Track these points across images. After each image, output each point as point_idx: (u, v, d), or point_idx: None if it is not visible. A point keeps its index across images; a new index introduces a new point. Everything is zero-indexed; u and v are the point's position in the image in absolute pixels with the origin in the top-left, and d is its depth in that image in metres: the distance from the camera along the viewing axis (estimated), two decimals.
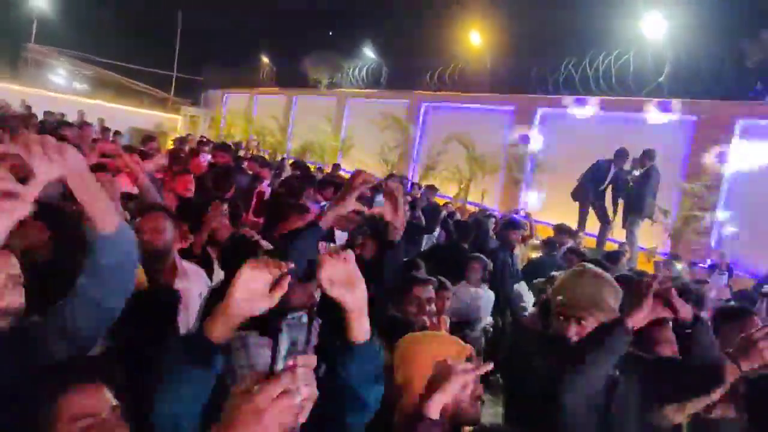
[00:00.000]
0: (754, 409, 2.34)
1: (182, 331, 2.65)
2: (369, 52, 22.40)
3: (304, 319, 1.07)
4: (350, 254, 1.40)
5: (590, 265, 2.32)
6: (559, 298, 2.22)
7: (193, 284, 2.97)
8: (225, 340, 1.39)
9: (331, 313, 1.45)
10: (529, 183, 14.00)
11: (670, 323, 2.45)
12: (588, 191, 9.76)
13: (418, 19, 19.63)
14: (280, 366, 1.04)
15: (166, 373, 1.40)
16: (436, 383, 1.60)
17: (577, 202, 9.98)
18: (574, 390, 1.92)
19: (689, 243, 10.50)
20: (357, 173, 2.28)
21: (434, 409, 1.56)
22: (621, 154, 9.45)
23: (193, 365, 1.37)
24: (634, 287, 2.08)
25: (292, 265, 1.38)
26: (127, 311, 1.71)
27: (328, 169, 13.81)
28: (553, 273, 3.95)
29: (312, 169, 11.40)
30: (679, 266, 6.16)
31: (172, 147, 11.37)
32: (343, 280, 1.37)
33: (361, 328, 1.42)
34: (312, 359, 1.08)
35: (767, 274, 6.35)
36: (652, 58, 13.10)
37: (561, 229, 7.61)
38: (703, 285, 6.02)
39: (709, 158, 10.89)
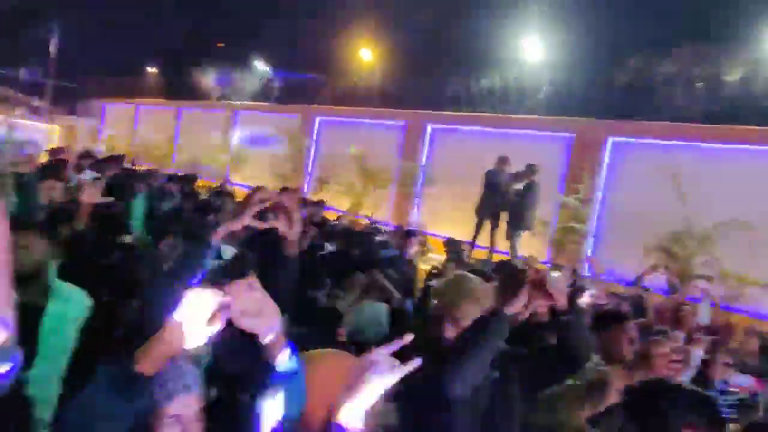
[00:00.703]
0: (630, 415, 2.47)
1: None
2: (260, 65, 22.13)
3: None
4: (255, 281, 1.34)
5: (465, 273, 2.42)
6: (435, 301, 2.29)
7: (69, 306, 2.76)
8: (154, 373, 1.29)
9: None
10: (420, 197, 14.35)
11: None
12: (488, 205, 10.16)
13: (311, 33, 19.67)
14: None
15: (85, 403, 1.28)
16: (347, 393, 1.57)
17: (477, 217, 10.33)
18: (462, 380, 1.95)
19: (568, 252, 11.20)
20: (256, 189, 2.25)
21: (348, 419, 1.51)
22: (504, 160, 9.98)
23: (116, 399, 1.25)
24: (513, 277, 2.17)
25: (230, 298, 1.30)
26: None
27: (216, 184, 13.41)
28: (431, 282, 4.06)
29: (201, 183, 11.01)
30: (557, 274, 6.56)
31: (45, 159, 10.55)
32: (254, 310, 1.31)
33: (281, 349, 1.38)
34: None
35: (635, 279, 6.90)
36: (531, 79, 13.96)
37: (451, 243, 7.86)
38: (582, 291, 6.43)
39: (583, 173, 11.70)
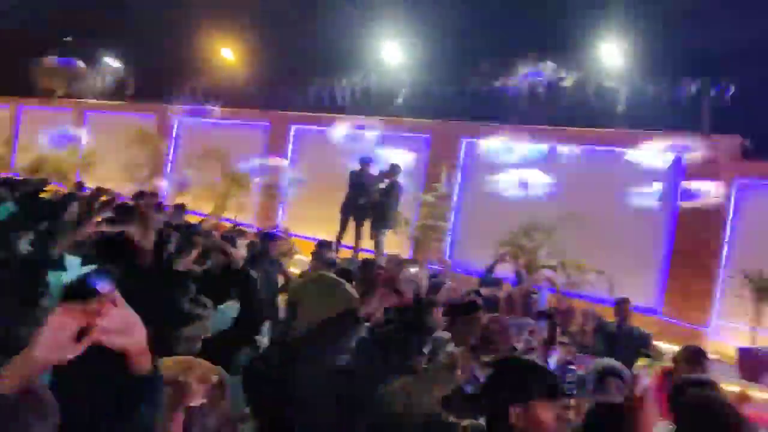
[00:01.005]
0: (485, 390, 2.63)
1: None
2: (112, 62, 20.76)
3: None
4: (118, 296, 1.28)
5: (325, 272, 2.52)
6: (292, 299, 2.36)
7: None
8: (15, 391, 1.22)
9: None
10: (286, 198, 14.29)
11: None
12: (352, 205, 10.33)
13: (168, 30, 18.79)
14: None
15: None
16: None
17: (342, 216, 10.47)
18: (315, 371, 2.03)
19: (428, 248, 11.73)
20: (97, 191, 2.19)
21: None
22: (366, 160, 10.24)
23: None
24: (369, 282, 2.30)
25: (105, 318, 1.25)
26: None
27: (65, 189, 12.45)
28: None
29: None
30: (414, 270, 6.91)
31: None
32: (120, 326, 1.26)
33: (147, 363, 1.36)
34: None
35: (486, 270, 7.43)
36: (391, 81, 14.42)
37: (322, 245, 7.94)
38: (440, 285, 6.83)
39: (441, 172, 12.30)
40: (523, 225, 10.35)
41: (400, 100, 14.05)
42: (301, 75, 15.10)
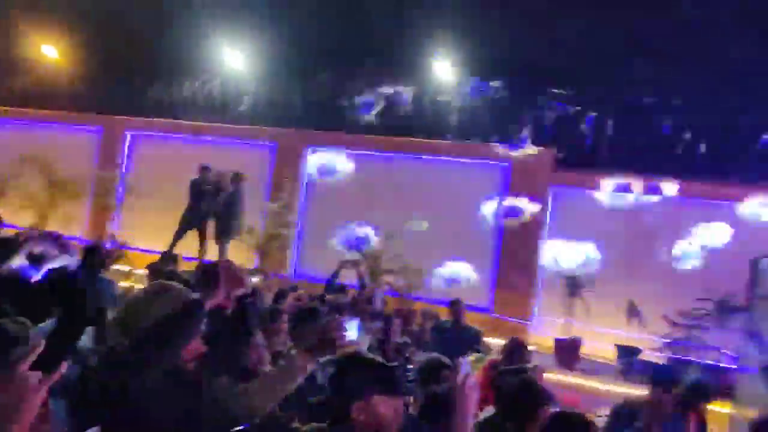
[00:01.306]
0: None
1: None
2: None
3: None
4: None
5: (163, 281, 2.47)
6: (118, 310, 2.30)
7: None
8: None
9: None
10: (121, 208, 13.45)
11: None
12: (194, 214, 9.95)
13: None
14: None
15: None
16: None
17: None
18: (148, 376, 2.01)
19: (274, 258, 11.69)
20: None
21: None
22: (206, 168, 10.00)
23: None
24: (209, 273, 2.31)
25: None
26: None
27: None
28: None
29: None
30: (254, 279, 6.93)
31: None
32: None
33: None
34: None
35: (330, 277, 7.63)
36: (235, 88, 14.17)
37: (164, 258, 7.61)
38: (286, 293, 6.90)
39: (285, 181, 12.32)
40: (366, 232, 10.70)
41: (243, 107, 13.86)
42: (139, 78, 14.31)
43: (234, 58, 14.41)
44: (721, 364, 8.55)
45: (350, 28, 12.24)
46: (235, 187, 9.97)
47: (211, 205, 9.98)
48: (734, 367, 8.38)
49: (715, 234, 9.69)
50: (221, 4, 13.44)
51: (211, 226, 10.15)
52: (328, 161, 12.29)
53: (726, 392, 6.90)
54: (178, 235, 9.92)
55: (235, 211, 9.95)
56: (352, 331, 2.51)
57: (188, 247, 10.05)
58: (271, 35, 13.36)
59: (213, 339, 2.39)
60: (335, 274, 7.89)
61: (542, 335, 10.32)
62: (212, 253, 9.94)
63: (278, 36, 13.18)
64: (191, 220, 10.04)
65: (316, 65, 13.32)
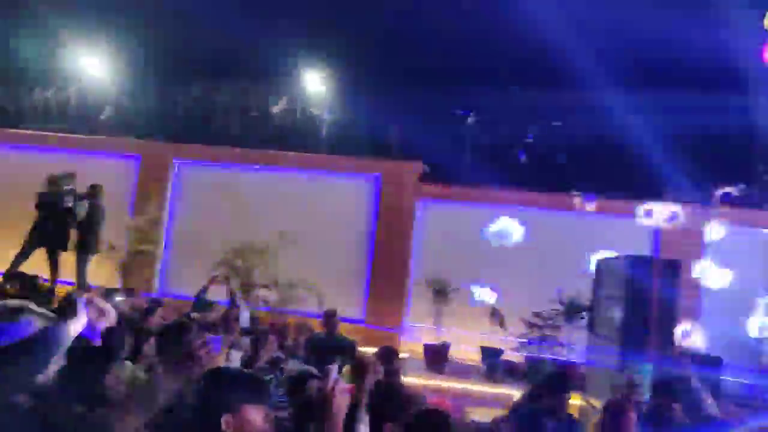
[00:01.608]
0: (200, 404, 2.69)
1: None
2: None
3: None
4: None
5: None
6: None
7: None
8: None
9: None
10: None
11: None
12: (44, 230, 9.09)
13: None
14: None
15: None
16: None
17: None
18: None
19: (139, 275, 11.13)
20: None
21: None
22: (54, 180, 9.16)
23: None
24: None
25: None
26: None
27: None
28: None
29: None
30: (118, 298, 6.62)
31: None
32: None
33: None
34: None
35: (198, 293, 7.47)
36: (94, 97, 13.31)
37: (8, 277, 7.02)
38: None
39: (151, 195, 11.77)
40: (237, 247, 10.49)
41: (104, 117, 13.08)
42: None
43: (95, 65, 13.56)
44: (572, 359, 9.33)
45: (219, 37, 12.01)
46: (92, 200, 9.30)
47: (64, 220, 9.17)
48: (582, 362, 9.21)
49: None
50: (81, 7, 12.67)
51: (64, 244, 9.29)
52: (198, 174, 11.95)
53: (576, 385, 7.53)
54: (23, 254, 9.01)
55: (93, 226, 9.30)
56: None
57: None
58: (136, 41, 12.80)
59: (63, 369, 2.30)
60: (204, 290, 7.71)
61: (414, 341, 10.67)
62: (70, 271, 9.25)
63: (148, 41, 12.65)
64: (39, 237, 9.12)
65: (186, 76, 12.94)
